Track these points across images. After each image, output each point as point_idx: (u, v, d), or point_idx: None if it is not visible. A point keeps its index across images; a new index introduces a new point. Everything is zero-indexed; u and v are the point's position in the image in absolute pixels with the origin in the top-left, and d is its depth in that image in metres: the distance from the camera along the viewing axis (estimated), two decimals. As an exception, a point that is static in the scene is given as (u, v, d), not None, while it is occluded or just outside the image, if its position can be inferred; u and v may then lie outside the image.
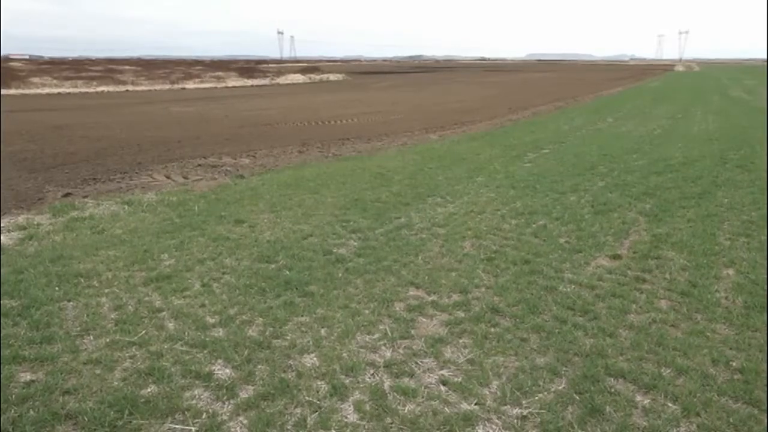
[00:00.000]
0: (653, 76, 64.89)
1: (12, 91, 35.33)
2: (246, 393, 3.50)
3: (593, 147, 13.08)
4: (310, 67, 77.69)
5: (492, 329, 4.29)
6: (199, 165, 11.46)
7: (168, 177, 10.28)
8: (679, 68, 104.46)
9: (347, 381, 3.62)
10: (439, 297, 4.87)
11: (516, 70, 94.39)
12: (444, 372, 3.74)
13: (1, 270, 5.37)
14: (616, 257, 5.82)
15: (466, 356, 3.92)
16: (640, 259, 5.76)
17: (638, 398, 3.44)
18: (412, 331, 4.28)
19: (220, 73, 54.64)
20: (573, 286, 5.07)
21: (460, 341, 4.14)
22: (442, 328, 4.34)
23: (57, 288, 4.95)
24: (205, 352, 3.95)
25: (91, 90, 38.08)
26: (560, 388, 3.54)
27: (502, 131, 16.60)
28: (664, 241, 6.29)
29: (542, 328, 4.28)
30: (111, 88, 39.37)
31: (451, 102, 28.75)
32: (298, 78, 55.07)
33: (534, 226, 6.88)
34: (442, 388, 3.57)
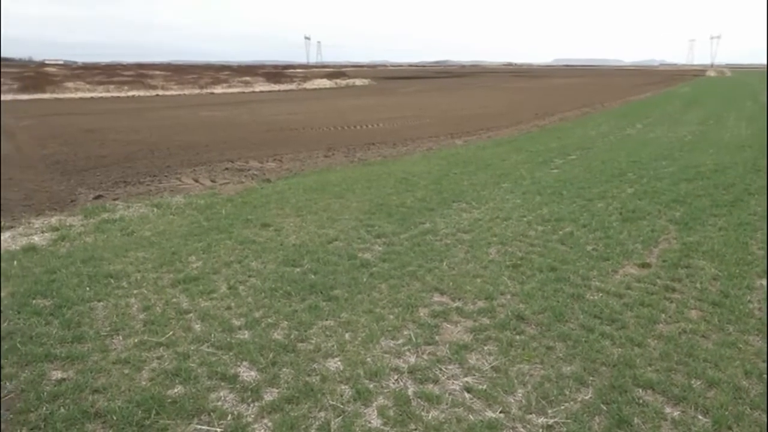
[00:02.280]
0: (683, 82, 63.78)
1: (47, 96, 36.29)
2: (271, 396, 3.52)
3: (621, 153, 12.90)
4: (337, 72, 78.12)
5: (517, 337, 4.25)
6: (227, 169, 11.60)
7: (196, 180, 10.44)
8: (711, 74, 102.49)
9: (371, 386, 3.62)
10: (464, 303, 4.85)
11: (543, 76, 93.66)
12: (468, 379, 3.71)
13: (35, 270, 5.51)
14: (644, 266, 5.73)
15: (491, 363, 3.89)
16: (669, 267, 5.65)
17: (667, 410, 3.38)
18: (437, 337, 4.26)
19: (247, 78, 55.27)
20: (600, 295, 5.00)
21: (485, 348, 4.11)
22: (467, 334, 4.31)
23: (88, 288, 5.06)
24: (231, 354, 4.00)
25: (123, 94, 38.91)
26: (587, 397, 3.49)
27: (528, 137, 16.47)
28: (695, 249, 6.17)
29: (568, 336, 4.23)
30: (142, 93, 40.15)
31: (476, 107, 28.64)
32: (325, 83, 55.44)
33: (560, 233, 6.81)
34: (467, 395, 3.55)
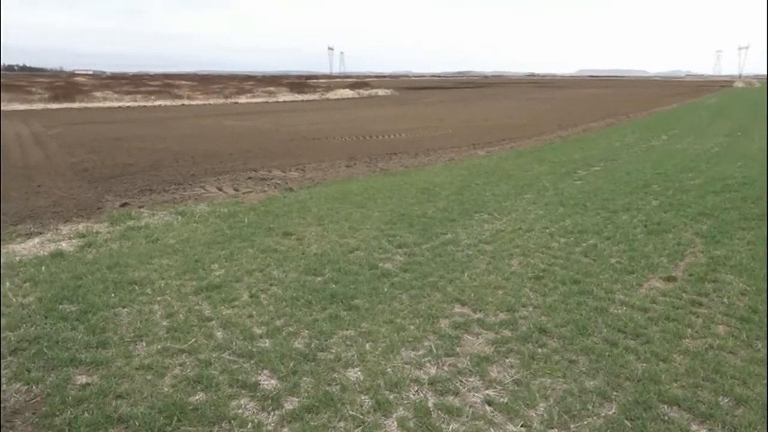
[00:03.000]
0: (710, 93, 62.85)
1: (76, 105, 37.11)
2: (291, 404, 3.53)
3: (646, 165, 12.74)
4: (359, 82, 78.59)
5: (539, 350, 4.21)
6: (250, 178, 11.72)
7: (220, 189, 10.55)
8: (739, 84, 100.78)
9: (391, 397, 3.61)
10: (486, 315, 4.81)
11: (566, 86, 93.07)
12: (489, 392, 3.68)
13: (62, 276, 5.61)
14: (670, 279, 5.63)
15: (513, 376, 3.85)
16: (696, 282, 5.55)
17: (694, 427, 3.30)
18: (458, 349, 4.24)
19: (271, 88, 55.89)
20: (624, 308, 4.93)
21: (507, 361, 4.07)
22: (488, 346, 4.28)
23: (113, 294, 5.13)
24: (252, 362, 4.02)
25: (149, 104, 39.58)
26: (610, 413, 3.43)
27: (551, 148, 16.36)
28: (722, 263, 6.05)
29: (592, 350, 4.17)
30: (168, 102, 40.82)
31: (499, 118, 28.55)
32: (347, 93, 55.78)
33: (584, 245, 6.73)
34: (488, 408, 3.51)
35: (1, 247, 6.66)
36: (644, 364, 3.97)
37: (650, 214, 8.11)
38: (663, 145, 16.86)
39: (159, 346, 4.22)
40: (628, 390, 3.66)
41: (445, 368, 3.97)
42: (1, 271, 5.73)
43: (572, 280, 5.55)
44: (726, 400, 3.55)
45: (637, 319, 4.68)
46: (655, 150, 15.67)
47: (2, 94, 36.74)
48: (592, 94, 62.50)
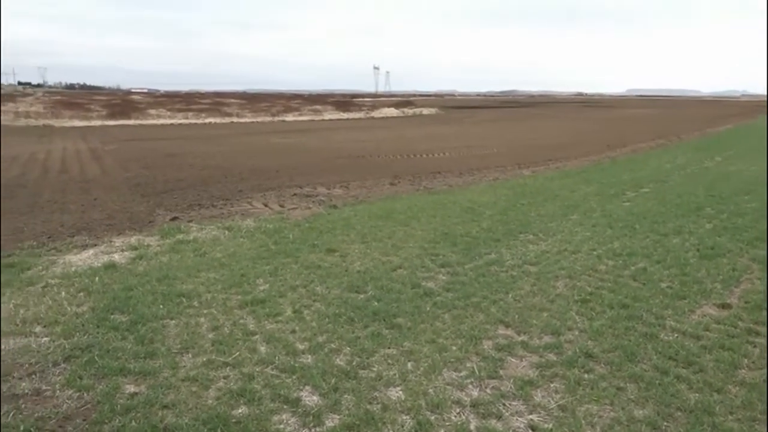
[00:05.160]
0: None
1: (131, 122, 38.57)
2: (332, 422, 3.53)
3: (699, 187, 12.34)
4: (404, 101, 79.11)
5: (585, 375, 4.10)
6: (295, 194, 11.89)
7: (266, 205, 10.75)
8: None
9: (432, 418, 3.57)
10: (530, 337, 4.72)
11: (615, 106, 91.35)
12: (533, 416, 3.60)
13: (114, 287, 5.80)
14: (725, 306, 5.41)
15: (558, 402, 3.76)
16: (752, 309, 5.31)
17: (751, 463, 3.15)
18: (501, 371, 4.17)
19: (317, 107, 56.85)
20: (676, 335, 4.76)
21: (551, 385, 3.97)
22: (532, 370, 4.19)
23: (161, 306, 5.27)
24: (294, 377, 4.04)
25: (200, 121, 40.78)
26: (661, 444, 3.31)
27: (598, 168, 16.05)
28: (781, 291, 5.78)
29: (641, 377, 4.04)
30: (218, 120, 41.97)
31: (545, 138, 28.22)
32: (392, 112, 56.17)
33: (633, 268, 6.55)
34: (531, 433, 3.43)
35: (4, 259, 6.94)
36: (697, 395, 3.82)
37: (703, 238, 7.84)
38: (716, 166, 16.33)
39: (204, 359, 4.30)
40: (679, 421, 3.53)
41: (488, 391, 3.91)
42: (2, 281, 5.97)
43: (620, 305, 5.40)
44: (786, 436, 3.37)
45: (690, 347, 4.51)
46: (708, 172, 15.18)
47: (65, 111, 38.55)
48: (641, 114, 61.16)
